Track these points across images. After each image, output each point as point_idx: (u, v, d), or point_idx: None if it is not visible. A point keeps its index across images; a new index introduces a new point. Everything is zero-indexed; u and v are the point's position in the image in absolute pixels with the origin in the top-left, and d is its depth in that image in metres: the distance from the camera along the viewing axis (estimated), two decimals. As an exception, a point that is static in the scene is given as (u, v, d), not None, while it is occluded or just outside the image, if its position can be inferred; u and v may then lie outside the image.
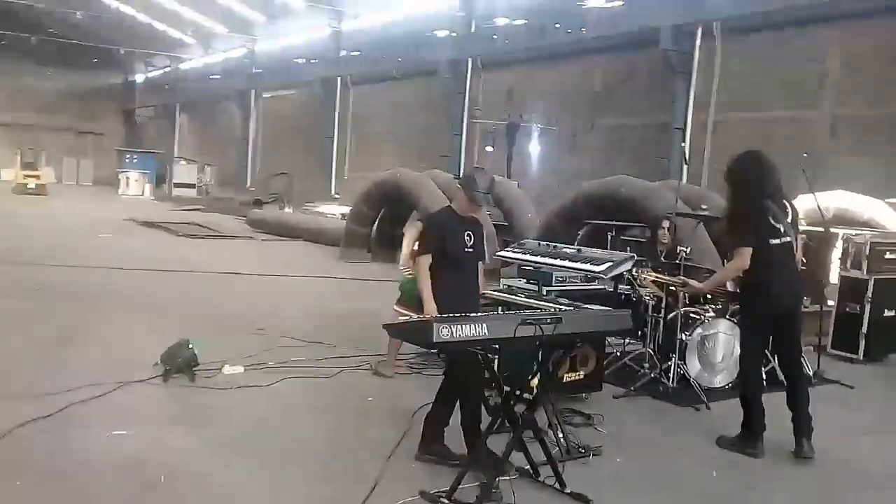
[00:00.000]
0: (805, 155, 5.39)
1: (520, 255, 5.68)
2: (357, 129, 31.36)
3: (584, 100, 22.08)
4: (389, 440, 4.99)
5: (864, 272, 8.34)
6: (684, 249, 6.58)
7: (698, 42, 19.45)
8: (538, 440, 4.32)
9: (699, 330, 6.69)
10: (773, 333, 5.41)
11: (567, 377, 5.68)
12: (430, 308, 4.53)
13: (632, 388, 6.48)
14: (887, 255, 8.58)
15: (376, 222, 15.16)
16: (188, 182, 35.89)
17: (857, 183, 11.90)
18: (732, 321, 6.80)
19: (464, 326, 3.56)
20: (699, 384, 6.51)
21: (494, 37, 24.23)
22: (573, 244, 7.89)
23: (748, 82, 18.32)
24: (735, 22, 17.62)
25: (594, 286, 6.23)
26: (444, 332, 3.50)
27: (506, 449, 4.07)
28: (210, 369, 6.37)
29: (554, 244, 5.82)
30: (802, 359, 5.35)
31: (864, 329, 8.32)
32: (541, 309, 4.56)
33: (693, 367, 6.66)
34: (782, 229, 5.16)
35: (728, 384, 6.75)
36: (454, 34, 25.69)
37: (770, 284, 5.15)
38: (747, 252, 5.13)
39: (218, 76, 40.22)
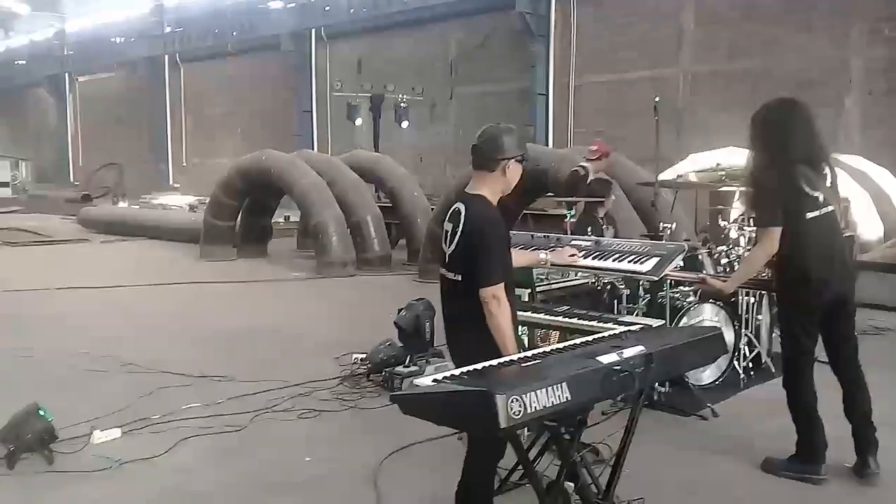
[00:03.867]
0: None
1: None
2: (193, 111, 28.80)
3: (442, 68, 21.11)
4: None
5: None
6: (669, 226, 5.41)
7: (554, 4, 18.90)
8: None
9: (684, 319, 5.63)
10: (822, 327, 4.30)
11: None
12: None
13: (620, 399, 5.32)
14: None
15: (240, 214, 13.29)
16: (1, 180, 31.98)
17: (721, 138, 11.43)
18: (717, 305, 5.81)
19: (538, 393, 2.18)
20: (693, 384, 5.50)
21: (338, 5, 22.64)
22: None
23: (606, 43, 17.96)
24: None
25: (574, 280, 4.99)
26: (515, 409, 2.10)
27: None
28: (73, 439, 4.61)
29: (556, 236, 4.48)
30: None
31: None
32: (595, 333, 3.21)
33: (681, 363, 5.61)
34: (821, 198, 4.05)
35: (716, 380, 5.78)
36: (293, 4, 23.86)
37: (810, 269, 4.02)
38: (776, 232, 4.01)
39: (24, 61, 36.11)
